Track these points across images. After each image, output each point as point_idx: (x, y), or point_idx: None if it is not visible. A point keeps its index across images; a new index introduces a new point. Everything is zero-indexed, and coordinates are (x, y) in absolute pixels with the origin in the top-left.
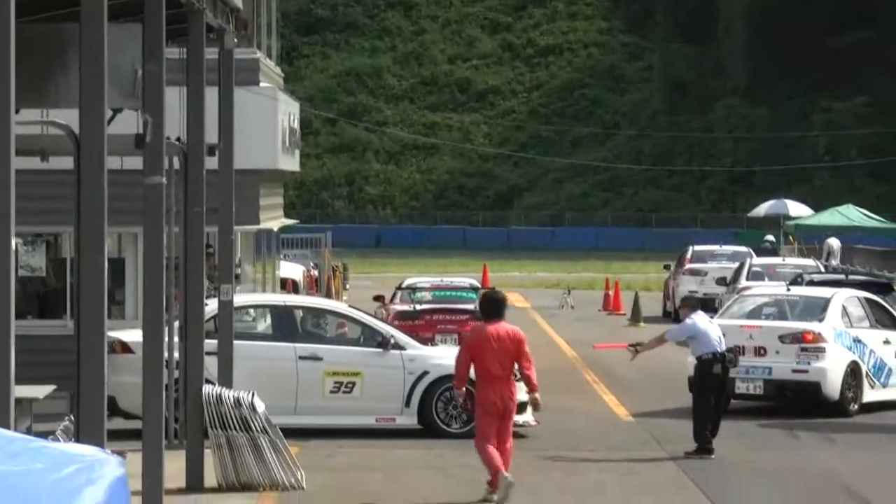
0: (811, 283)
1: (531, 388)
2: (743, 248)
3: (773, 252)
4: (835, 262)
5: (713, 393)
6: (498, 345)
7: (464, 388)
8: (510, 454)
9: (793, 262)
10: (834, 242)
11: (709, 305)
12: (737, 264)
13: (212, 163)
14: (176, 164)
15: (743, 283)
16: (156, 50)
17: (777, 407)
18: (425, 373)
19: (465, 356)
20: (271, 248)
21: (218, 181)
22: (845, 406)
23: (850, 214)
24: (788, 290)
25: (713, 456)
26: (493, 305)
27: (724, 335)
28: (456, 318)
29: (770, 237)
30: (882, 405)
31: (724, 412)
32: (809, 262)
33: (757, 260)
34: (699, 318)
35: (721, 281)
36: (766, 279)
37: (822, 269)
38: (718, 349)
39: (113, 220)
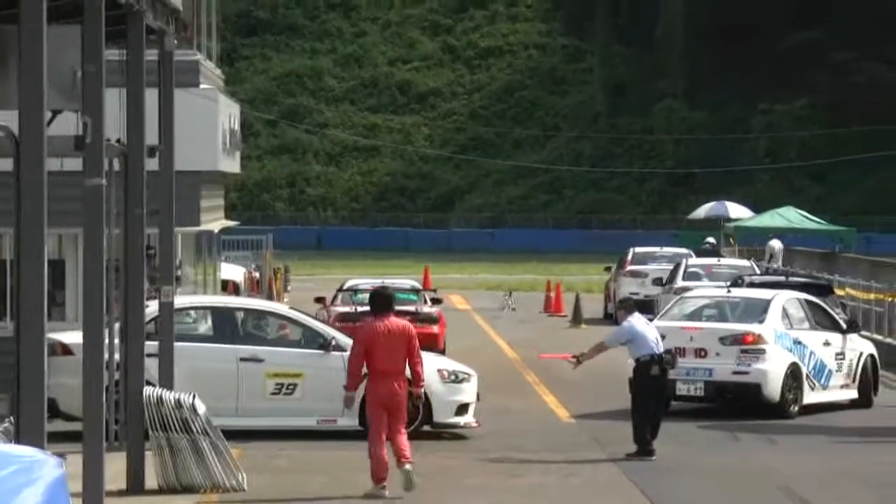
0: (752, 284)
1: (417, 383)
2: (683, 250)
3: (715, 253)
4: (777, 263)
5: (652, 395)
6: (388, 339)
7: (353, 392)
8: (407, 444)
9: (728, 262)
10: (776, 244)
11: (649, 307)
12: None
13: (152, 164)
14: (116, 165)
15: (679, 283)
16: (95, 51)
17: (718, 408)
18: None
19: (359, 353)
20: (212, 250)
21: (158, 183)
22: (786, 408)
23: (790, 216)
24: (729, 291)
25: (654, 458)
26: (382, 301)
27: (662, 337)
28: None
29: (711, 239)
30: (822, 407)
31: (663, 414)
32: (745, 262)
33: (693, 260)
34: (636, 321)
35: (658, 281)
36: (703, 279)
37: (758, 271)
38: (656, 351)
39: (53, 221)
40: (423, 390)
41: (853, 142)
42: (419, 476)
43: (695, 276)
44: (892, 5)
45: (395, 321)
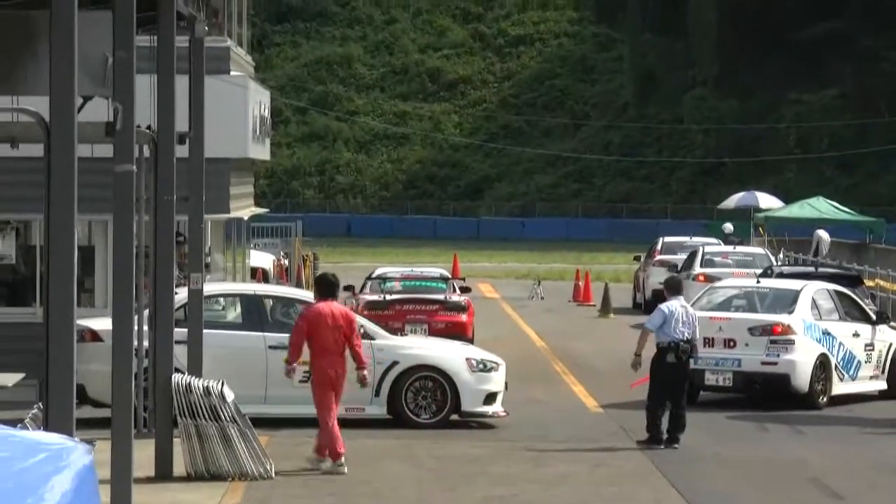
0: (781, 275)
1: (360, 365)
2: (712, 240)
3: (739, 241)
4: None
5: (667, 382)
6: (332, 321)
7: (295, 364)
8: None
9: (743, 250)
10: (824, 235)
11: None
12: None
13: (182, 151)
14: (146, 152)
15: (697, 269)
16: (126, 37)
17: (746, 399)
18: (395, 363)
19: (300, 330)
20: (241, 237)
21: (188, 169)
22: (814, 398)
23: (820, 207)
24: (758, 282)
25: (663, 446)
26: (327, 286)
27: (694, 321)
28: (426, 308)
29: (729, 225)
30: (851, 398)
31: (687, 405)
32: (759, 250)
33: (710, 248)
34: (672, 305)
35: (673, 268)
36: (719, 267)
37: (774, 261)
38: (676, 338)
39: (83, 207)
40: (365, 371)
41: (882, 132)
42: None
43: (711, 264)
44: None
45: (337, 306)
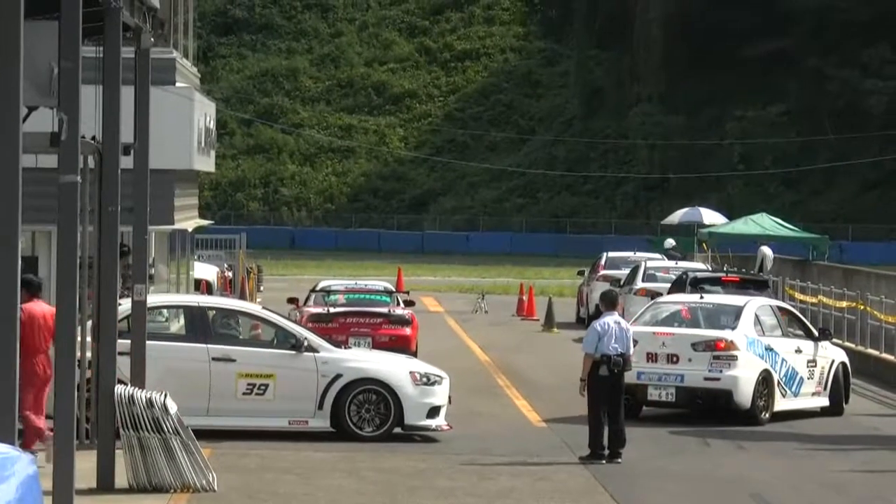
0: (695, 280)
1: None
2: (656, 255)
3: (681, 257)
4: (769, 268)
5: (602, 396)
6: (43, 322)
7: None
8: (45, 432)
9: (686, 265)
10: (767, 251)
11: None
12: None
13: (127, 162)
14: (91, 162)
15: (639, 284)
16: (72, 48)
17: (689, 414)
18: (338, 375)
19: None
20: (185, 249)
21: (133, 180)
22: (757, 414)
23: (764, 223)
24: (702, 297)
25: (604, 462)
26: (33, 285)
27: (635, 342)
28: (370, 321)
29: (670, 240)
30: (793, 414)
31: (630, 419)
32: (700, 266)
33: (651, 263)
34: (606, 321)
35: (616, 283)
36: (661, 282)
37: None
38: (608, 353)
39: (27, 217)
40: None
41: (826, 149)
42: (390, 475)
43: (653, 279)
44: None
45: (46, 305)
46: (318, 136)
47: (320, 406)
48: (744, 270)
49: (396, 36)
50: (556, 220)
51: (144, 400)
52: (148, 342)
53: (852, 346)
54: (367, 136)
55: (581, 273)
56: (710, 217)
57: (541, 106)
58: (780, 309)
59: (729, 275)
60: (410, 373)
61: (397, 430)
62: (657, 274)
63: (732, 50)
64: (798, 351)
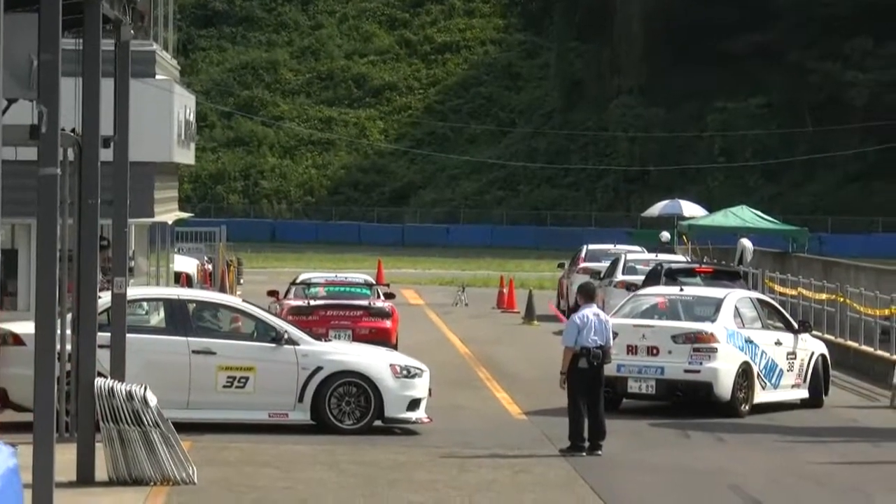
0: (670, 271)
1: None
2: (636, 248)
3: (670, 249)
4: (748, 260)
5: (581, 388)
6: None
7: None
8: None
9: (665, 258)
10: (747, 244)
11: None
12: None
13: (107, 154)
14: (71, 155)
15: (619, 276)
16: (52, 40)
17: (669, 407)
18: (319, 368)
19: None
20: (165, 242)
21: (113, 173)
22: (736, 406)
23: (744, 215)
24: (681, 290)
25: (585, 454)
26: None
27: (615, 334)
28: (350, 313)
29: (665, 233)
30: (773, 406)
31: (610, 411)
32: (679, 257)
33: (632, 255)
34: (585, 313)
35: (596, 275)
36: (640, 274)
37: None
38: (587, 345)
39: (6, 210)
40: None
41: (806, 142)
42: (370, 468)
43: (633, 271)
44: (841, 4)
45: None
46: (299, 128)
47: (300, 399)
48: (715, 261)
49: (377, 28)
50: (536, 213)
51: (124, 393)
52: (128, 335)
53: (832, 338)
54: (347, 129)
55: (561, 266)
56: (691, 209)
57: (521, 98)
58: (760, 301)
59: (702, 266)
60: (391, 365)
61: (377, 422)
62: (637, 266)
63: (713, 42)
64: (778, 343)
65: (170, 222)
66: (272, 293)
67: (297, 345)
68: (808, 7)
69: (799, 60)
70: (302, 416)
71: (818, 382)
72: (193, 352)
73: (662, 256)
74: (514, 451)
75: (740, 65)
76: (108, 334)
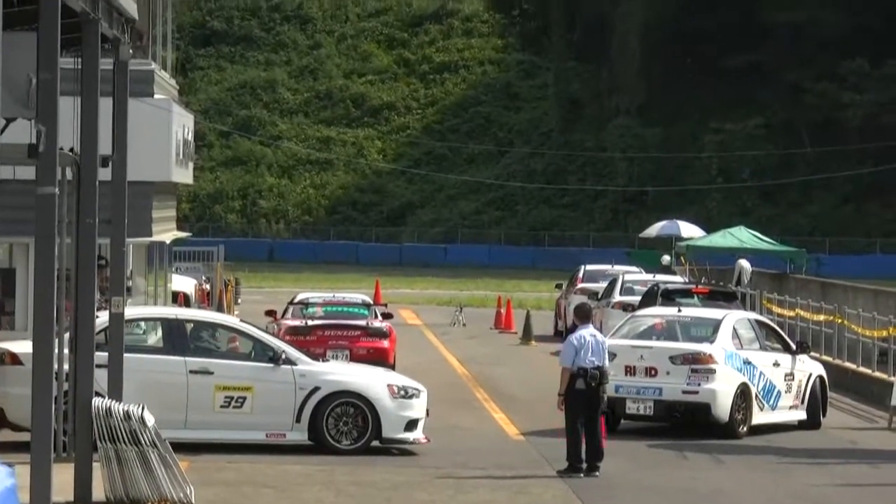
0: (666, 291)
1: None
2: (634, 268)
3: (670, 271)
4: (746, 281)
5: (579, 409)
6: None
7: None
8: None
9: (661, 278)
10: (745, 264)
11: None
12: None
13: (105, 174)
14: (69, 174)
15: (616, 297)
16: (50, 59)
17: (667, 428)
18: (316, 388)
19: None
20: (163, 261)
21: (111, 192)
22: (735, 428)
23: (742, 236)
24: (679, 310)
25: (582, 475)
26: None
27: (613, 355)
28: (347, 333)
29: (666, 256)
30: (771, 427)
31: (609, 432)
32: (677, 278)
33: (629, 276)
34: (582, 334)
35: (594, 296)
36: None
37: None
38: (586, 365)
39: (4, 229)
40: None
41: (804, 162)
42: (368, 488)
43: (630, 292)
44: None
45: None
46: (297, 148)
47: (298, 419)
48: (713, 282)
49: (375, 48)
50: (534, 233)
51: (122, 412)
52: (125, 354)
53: (829, 359)
54: (345, 149)
55: (559, 286)
56: (689, 230)
57: (519, 118)
58: (758, 322)
59: (698, 286)
60: (388, 385)
61: (375, 443)
62: (635, 287)
63: (710, 63)
64: (776, 364)
65: (168, 242)
66: (270, 313)
67: (295, 365)
68: (804, 27)
69: (795, 80)
70: (299, 436)
71: (816, 404)
72: (191, 371)
73: (659, 277)
74: (511, 471)
75: (737, 85)
76: (106, 354)
